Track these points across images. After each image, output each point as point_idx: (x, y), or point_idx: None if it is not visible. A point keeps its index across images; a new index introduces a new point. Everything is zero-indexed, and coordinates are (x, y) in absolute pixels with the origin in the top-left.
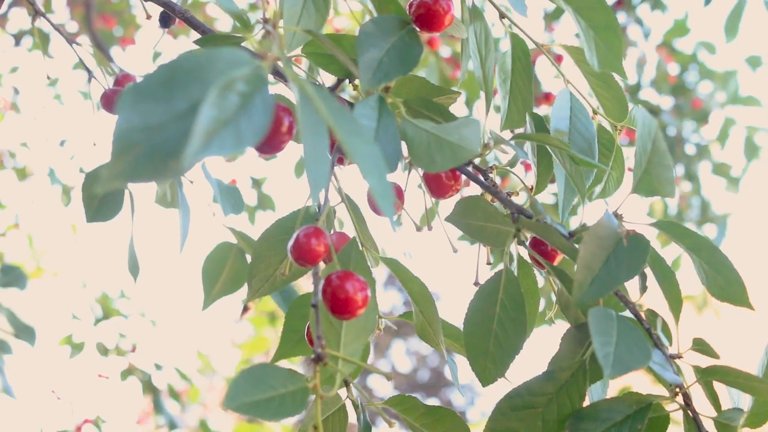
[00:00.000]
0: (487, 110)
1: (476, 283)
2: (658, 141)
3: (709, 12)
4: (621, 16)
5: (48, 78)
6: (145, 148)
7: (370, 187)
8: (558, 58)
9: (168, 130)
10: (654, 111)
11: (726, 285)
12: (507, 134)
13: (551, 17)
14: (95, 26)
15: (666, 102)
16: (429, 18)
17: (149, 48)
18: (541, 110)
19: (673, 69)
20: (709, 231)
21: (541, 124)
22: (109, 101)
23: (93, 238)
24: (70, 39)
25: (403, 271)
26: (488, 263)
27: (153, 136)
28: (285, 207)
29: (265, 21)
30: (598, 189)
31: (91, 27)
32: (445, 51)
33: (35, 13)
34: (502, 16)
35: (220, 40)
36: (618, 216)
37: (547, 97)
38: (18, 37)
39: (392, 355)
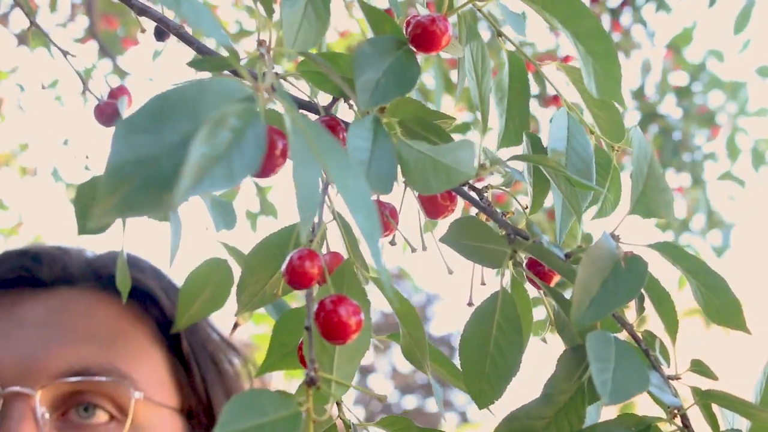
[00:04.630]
0: (484, 131)
1: (470, 304)
2: (654, 164)
3: (717, 19)
4: (626, 17)
5: (43, 87)
6: (138, 181)
7: (358, 224)
8: (565, 59)
9: (160, 163)
10: (657, 115)
11: (722, 308)
12: (504, 152)
13: None
14: (98, 27)
15: (671, 105)
16: (425, 39)
17: (152, 49)
18: (549, 112)
19: (682, 78)
20: (714, 239)
21: (537, 144)
22: (102, 114)
23: (96, 241)
24: (65, 51)
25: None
26: (482, 284)
27: (146, 169)
28: (289, 214)
29: (260, 44)
30: (594, 209)
31: (94, 28)
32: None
33: (30, 24)
34: (498, 34)
35: (214, 62)
36: (615, 237)
37: (556, 99)
38: (20, 37)
39: (393, 354)
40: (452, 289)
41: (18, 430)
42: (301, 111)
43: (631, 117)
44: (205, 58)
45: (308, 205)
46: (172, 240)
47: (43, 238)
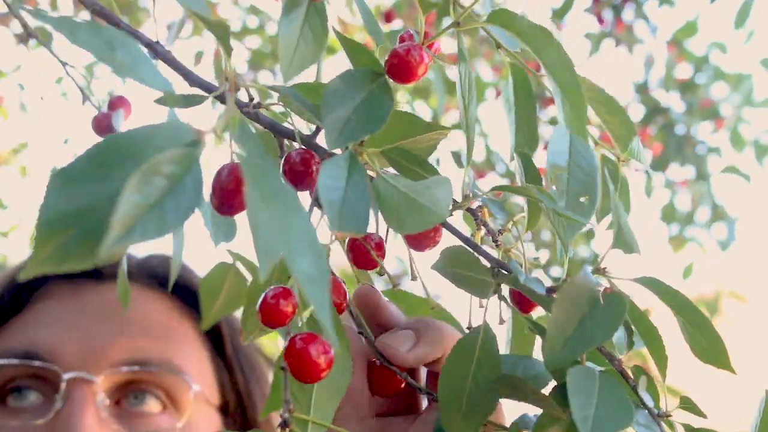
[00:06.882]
0: (469, 159)
1: (469, 328)
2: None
3: (720, 12)
4: (628, 12)
5: (42, 99)
6: (76, 231)
7: (294, 270)
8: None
9: (100, 211)
10: (661, 110)
11: (709, 346)
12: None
13: (558, 15)
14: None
15: (675, 100)
16: (401, 69)
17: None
18: (549, 112)
19: (685, 70)
20: (719, 232)
21: (529, 164)
22: (100, 125)
23: None
24: (64, 62)
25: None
26: (480, 306)
27: (85, 219)
28: None
29: (225, 79)
30: (608, 218)
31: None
32: (450, 45)
33: (27, 36)
34: (498, 45)
35: (180, 99)
36: (601, 271)
37: (553, 100)
38: (21, 37)
39: None
40: (453, 289)
41: (81, 414)
42: (279, 138)
43: (635, 111)
44: (169, 96)
45: (268, 255)
46: (174, 254)
47: None
